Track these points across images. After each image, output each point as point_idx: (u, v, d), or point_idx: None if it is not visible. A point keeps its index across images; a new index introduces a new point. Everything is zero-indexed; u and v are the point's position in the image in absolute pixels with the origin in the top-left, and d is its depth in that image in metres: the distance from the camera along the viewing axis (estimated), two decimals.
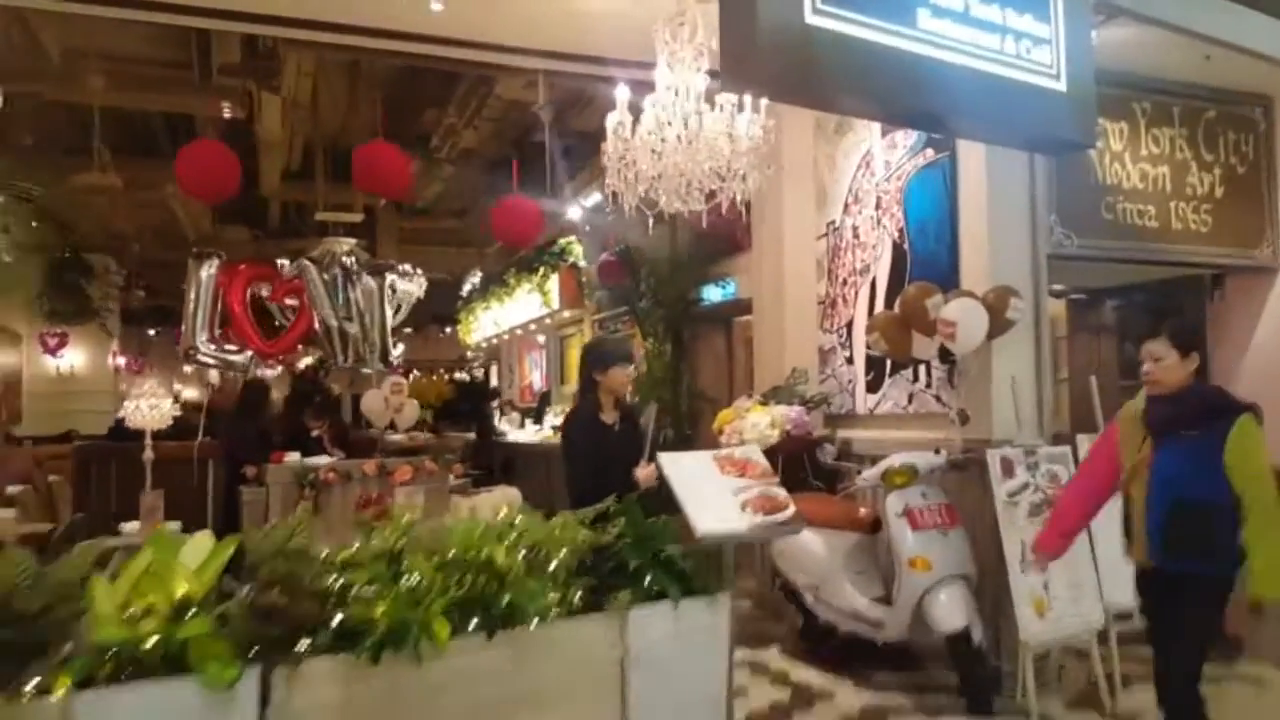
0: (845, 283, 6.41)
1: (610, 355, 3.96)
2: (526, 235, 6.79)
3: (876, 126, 6.02)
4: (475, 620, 2.57)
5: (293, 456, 5.85)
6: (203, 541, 2.45)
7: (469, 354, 16.11)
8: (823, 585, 5.25)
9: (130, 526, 4.77)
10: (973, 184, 5.17)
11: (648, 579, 2.92)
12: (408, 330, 15.17)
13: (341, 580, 2.51)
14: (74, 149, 8.15)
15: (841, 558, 5.19)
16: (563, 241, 10.11)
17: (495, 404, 12.80)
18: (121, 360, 14.40)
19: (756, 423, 5.89)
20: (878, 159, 6.05)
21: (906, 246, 5.74)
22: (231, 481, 6.19)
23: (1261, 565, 3.00)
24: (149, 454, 6.06)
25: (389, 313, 6.70)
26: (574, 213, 9.63)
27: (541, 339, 13.66)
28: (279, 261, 7.43)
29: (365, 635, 2.44)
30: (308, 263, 6.47)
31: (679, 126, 4.47)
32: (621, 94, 4.48)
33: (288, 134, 9.76)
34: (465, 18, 5.03)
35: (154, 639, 2.25)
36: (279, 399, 9.81)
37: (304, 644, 2.41)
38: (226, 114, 7.73)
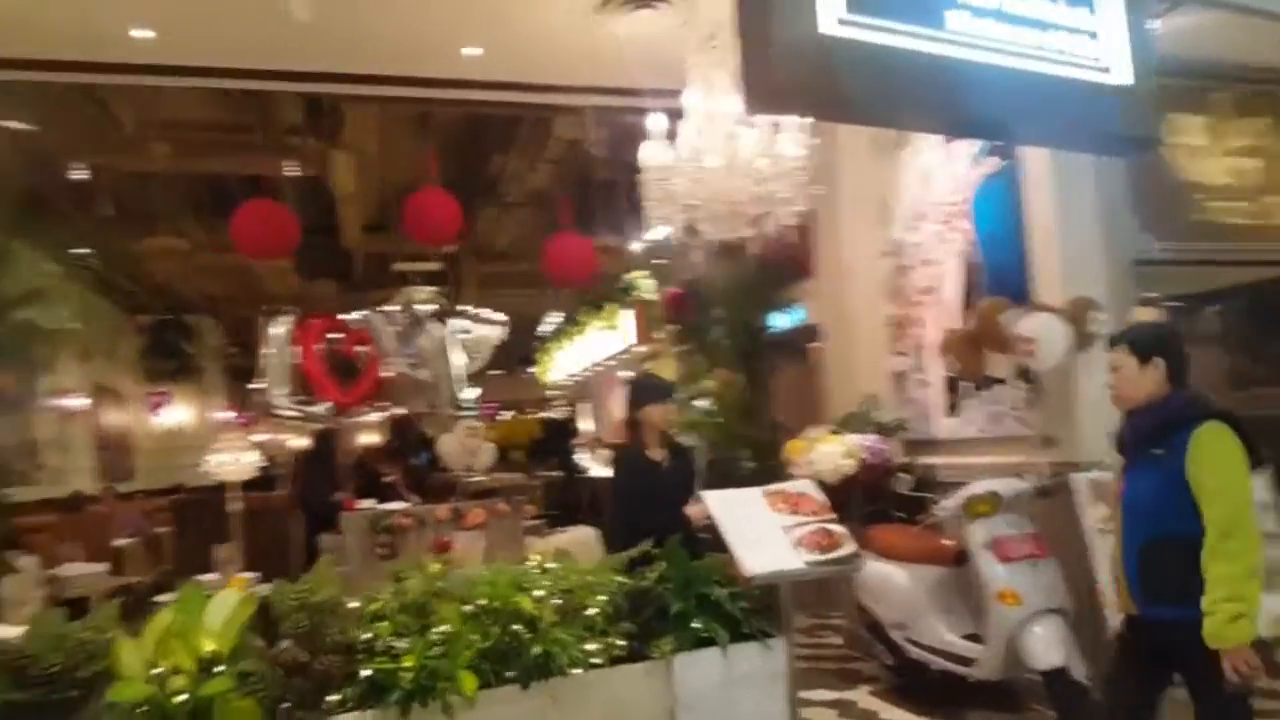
0: (914, 303, 6.16)
1: (646, 391, 3.85)
2: (581, 273, 6.77)
3: (936, 139, 5.81)
4: (507, 672, 2.49)
5: (367, 503, 5.93)
6: (228, 598, 2.44)
7: (551, 393, 16.24)
8: (909, 622, 4.99)
9: (209, 578, 4.87)
10: (1040, 191, 4.91)
11: (694, 624, 2.80)
12: (496, 373, 15.44)
13: (368, 633, 2.47)
14: (158, 214, 8.59)
15: (927, 592, 4.93)
16: (631, 276, 10.10)
17: (577, 441, 12.82)
18: (230, 415, 14.98)
19: (829, 452, 5.67)
20: (939, 171, 5.82)
21: (975, 261, 5.48)
22: (312, 529, 6.32)
23: (1209, 603, 2.50)
24: (235, 505, 6.26)
25: (457, 358, 6.74)
26: (641, 246, 9.62)
27: (627, 374, 13.64)
28: (362, 313, 7.65)
29: (392, 689, 2.39)
30: (373, 313, 6.59)
31: (716, 151, 4.40)
32: (655, 124, 4.43)
33: (362, 188, 10.05)
34: (501, 61, 5.11)
35: (181, 697, 2.24)
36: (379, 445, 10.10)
37: (331, 699, 2.38)
38: (290, 173, 8.02)
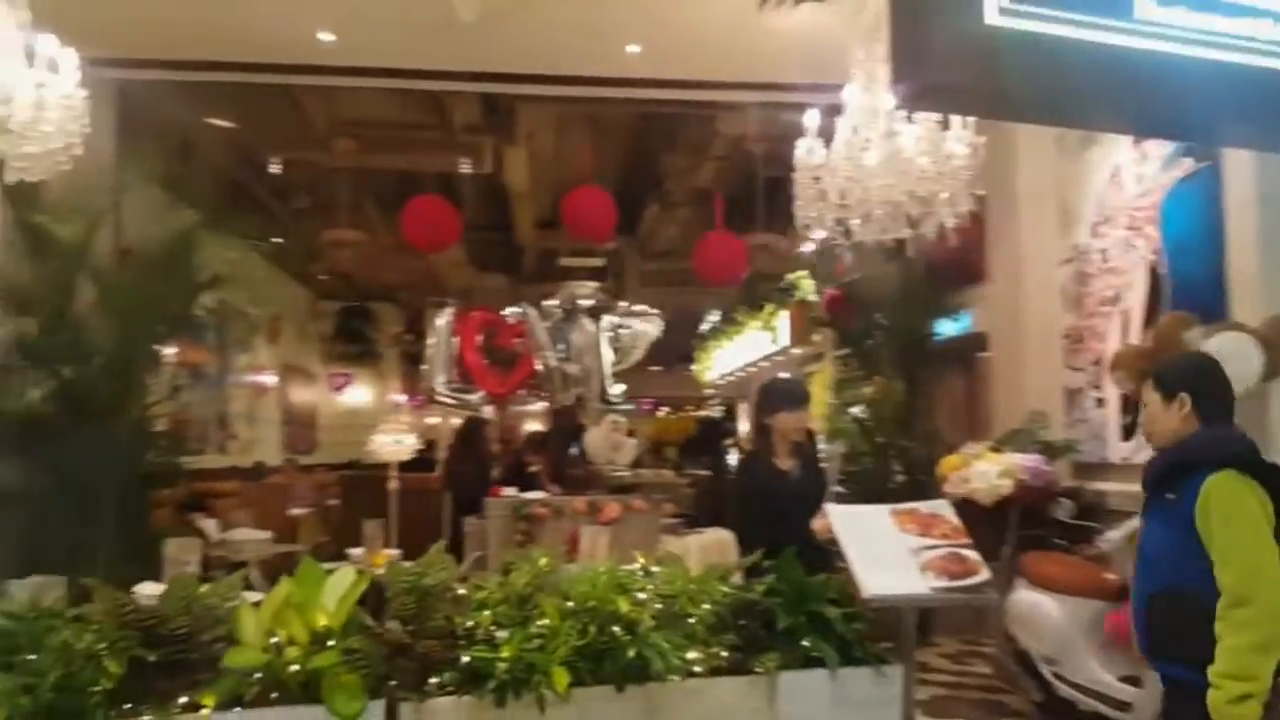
0: (1094, 314, 5.70)
1: (776, 398, 3.71)
2: (730, 273, 6.69)
3: (1125, 138, 5.34)
4: (603, 672, 2.47)
5: (509, 491, 6.11)
6: (345, 575, 2.54)
7: (709, 392, 16.19)
8: (1061, 657, 4.63)
9: (357, 552, 5.15)
10: (1242, 195, 4.40)
11: (804, 642, 2.68)
12: (656, 369, 15.58)
13: (471, 620, 2.51)
14: (345, 207, 9.18)
15: (1083, 627, 4.55)
16: (792, 276, 9.89)
17: (730, 442, 12.71)
18: (403, 397, 15.87)
19: (985, 471, 5.33)
20: (1127, 173, 5.35)
21: (1163, 271, 5.00)
22: (459, 512, 6.58)
23: (1214, 675, 2.25)
24: (394, 484, 6.60)
25: (607, 353, 6.83)
26: (806, 246, 9.39)
27: (784, 376, 13.39)
28: (518, 306, 7.89)
29: (489, 677, 2.41)
30: (528, 307, 6.78)
31: (876, 149, 4.22)
32: (811, 119, 4.29)
33: (534, 185, 10.36)
34: (661, 58, 5.12)
35: (294, 667, 2.35)
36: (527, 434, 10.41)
37: (431, 681, 2.43)
38: (466, 170, 8.36)
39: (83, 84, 3.93)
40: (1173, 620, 2.41)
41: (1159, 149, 5.07)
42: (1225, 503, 2.31)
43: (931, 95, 3.38)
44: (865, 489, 7.04)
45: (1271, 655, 2.22)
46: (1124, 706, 4.18)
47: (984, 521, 5.21)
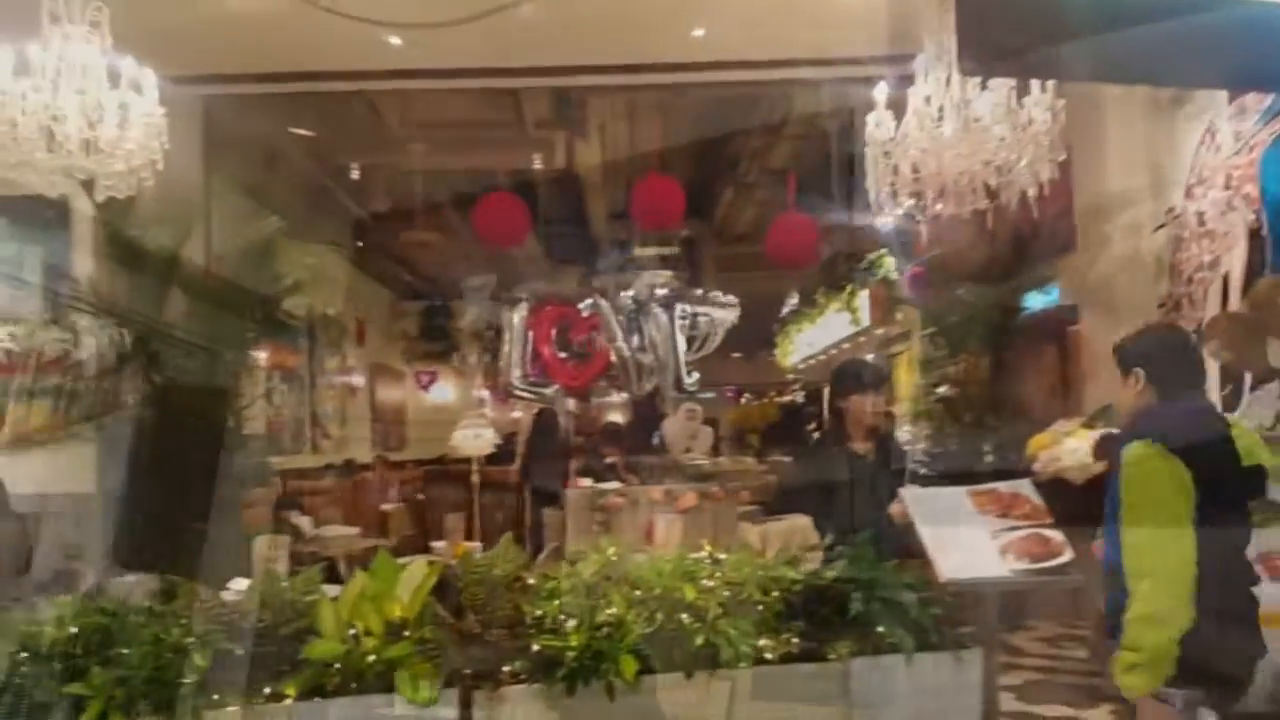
0: (1191, 280, 5.42)
1: (849, 380, 3.63)
2: (802, 254, 6.58)
3: (1221, 94, 5.05)
4: (671, 660, 2.47)
5: (586, 482, 6.16)
6: (419, 568, 2.59)
7: (792, 377, 15.98)
8: None
9: (440, 544, 5.28)
10: None
11: (879, 628, 2.63)
12: (736, 355, 15.44)
13: (539, 610, 2.53)
14: (425, 208, 9.37)
15: None
16: (873, 255, 9.67)
17: (813, 427, 12.53)
18: (486, 393, 16.12)
19: (1075, 449, 5.11)
20: (1224, 131, 5.06)
21: (1264, 232, 4.72)
22: (538, 504, 6.66)
23: (1122, 642, 2.29)
24: (475, 478, 6.73)
25: (681, 342, 6.81)
26: (884, 223, 9.16)
27: (869, 358, 13.12)
28: (590, 299, 7.92)
29: (560, 665, 2.44)
30: (600, 299, 6.80)
31: (949, 119, 4.09)
32: (879, 93, 4.19)
33: (608, 176, 10.36)
34: (728, 38, 5.05)
35: (371, 657, 2.42)
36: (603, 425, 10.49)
37: (503, 670, 2.47)
38: (539, 165, 8.43)
39: (168, 102, 4.08)
40: (1119, 595, 2.38)
41: (1256, 103, 4.79)
42: (1131, 473, 2.30)
43: (1004, 60, 3.26)
44: (952, 470, 6.87)
45: (1161, 629, 2.21)
46: None
47: (1077, 501, 5.03)
